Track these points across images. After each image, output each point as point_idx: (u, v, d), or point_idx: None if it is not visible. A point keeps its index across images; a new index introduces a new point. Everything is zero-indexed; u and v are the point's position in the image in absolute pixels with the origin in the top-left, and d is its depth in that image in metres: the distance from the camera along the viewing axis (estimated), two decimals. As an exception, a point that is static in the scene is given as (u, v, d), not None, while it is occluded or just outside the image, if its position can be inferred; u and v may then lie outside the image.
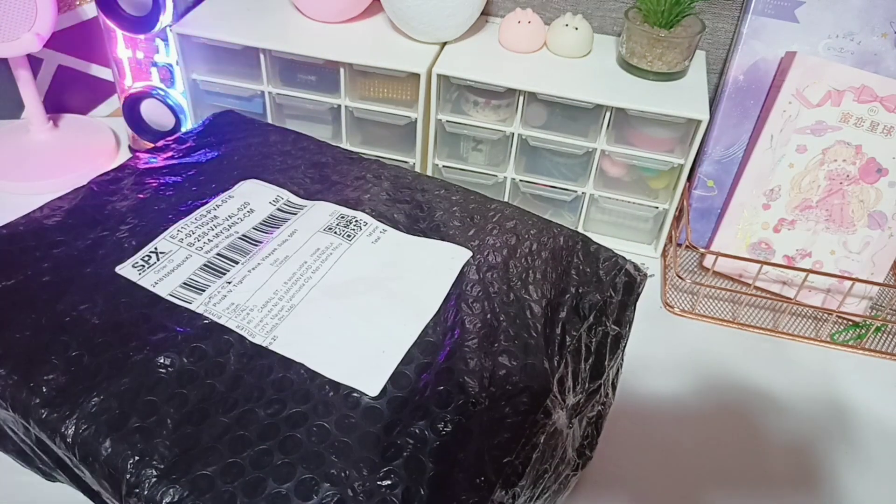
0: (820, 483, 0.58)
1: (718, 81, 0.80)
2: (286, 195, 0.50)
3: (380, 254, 0.45)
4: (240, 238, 0.46)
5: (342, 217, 0.48)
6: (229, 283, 0.42)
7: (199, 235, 0.45)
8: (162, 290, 0.42)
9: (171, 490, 0.33)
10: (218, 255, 0.44)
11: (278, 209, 0.48)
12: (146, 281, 0.42)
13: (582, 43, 0.75)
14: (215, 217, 0.47)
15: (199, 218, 0.47)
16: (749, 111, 0.75)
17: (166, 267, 0.43)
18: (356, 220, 0.47)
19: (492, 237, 0.46)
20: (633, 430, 0.59)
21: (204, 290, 0.42)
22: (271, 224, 0.47)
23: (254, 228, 0.47)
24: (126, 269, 0.43)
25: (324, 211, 0.48)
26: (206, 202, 0.49)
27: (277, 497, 0.33)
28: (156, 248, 0.45)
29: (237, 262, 0.44)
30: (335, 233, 0.46)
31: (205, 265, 0.44)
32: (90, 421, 0.35)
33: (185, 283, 0.42)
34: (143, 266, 0.43)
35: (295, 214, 0.48)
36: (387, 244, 0.46)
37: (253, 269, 0.43)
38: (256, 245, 0.45)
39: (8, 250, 0.44)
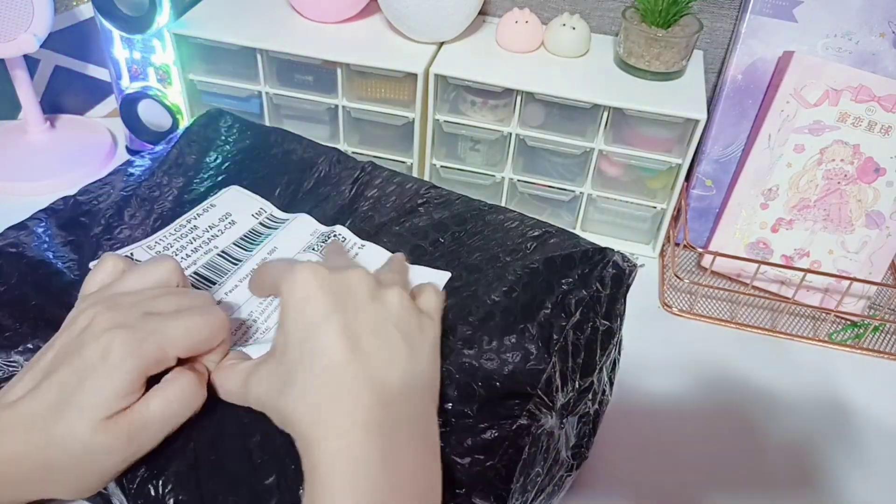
0: (817, 482, 0.58)
1: (716, 81, 0.80)
2: (269, 208, 0.49)
3: None
4: (219, 255, 0.44)
5: (322, 235, 0.47)
6: None
7: (177, 249, 0.44)
8: None
9: (172, 489, 0.33)
10: (195, 273, 0.43)
11: (260, 223, 0.48)
12: None
13: (579, 42, 0.75)
14: (195, 228, 0.46)
15: (178, 229, 0.46)
16: (747, 111, 0.75)
17: None
18: (333, 234, 0.47)
19: (473, 239, 0.46)
20: (630, 430, 0.59)
21: None
22: (252, 241, 0.46)
23: (234, 244, 0.46)
24: None
25: (304, 227, 0.47)
26: (188, 210, 0.48)
27: (262, 492, 0.33)
28: (131, 255, 0.44)
29: (214, 283, 0.43)
30: (313, 250, 0.45)
31: None
32: None
33: None
34: None
35: (276, 229, 0.47)
36: (365, 259, 0.45)
37: (230, 291, 0.42)
38: (235, 264, 0.44)
39: None
